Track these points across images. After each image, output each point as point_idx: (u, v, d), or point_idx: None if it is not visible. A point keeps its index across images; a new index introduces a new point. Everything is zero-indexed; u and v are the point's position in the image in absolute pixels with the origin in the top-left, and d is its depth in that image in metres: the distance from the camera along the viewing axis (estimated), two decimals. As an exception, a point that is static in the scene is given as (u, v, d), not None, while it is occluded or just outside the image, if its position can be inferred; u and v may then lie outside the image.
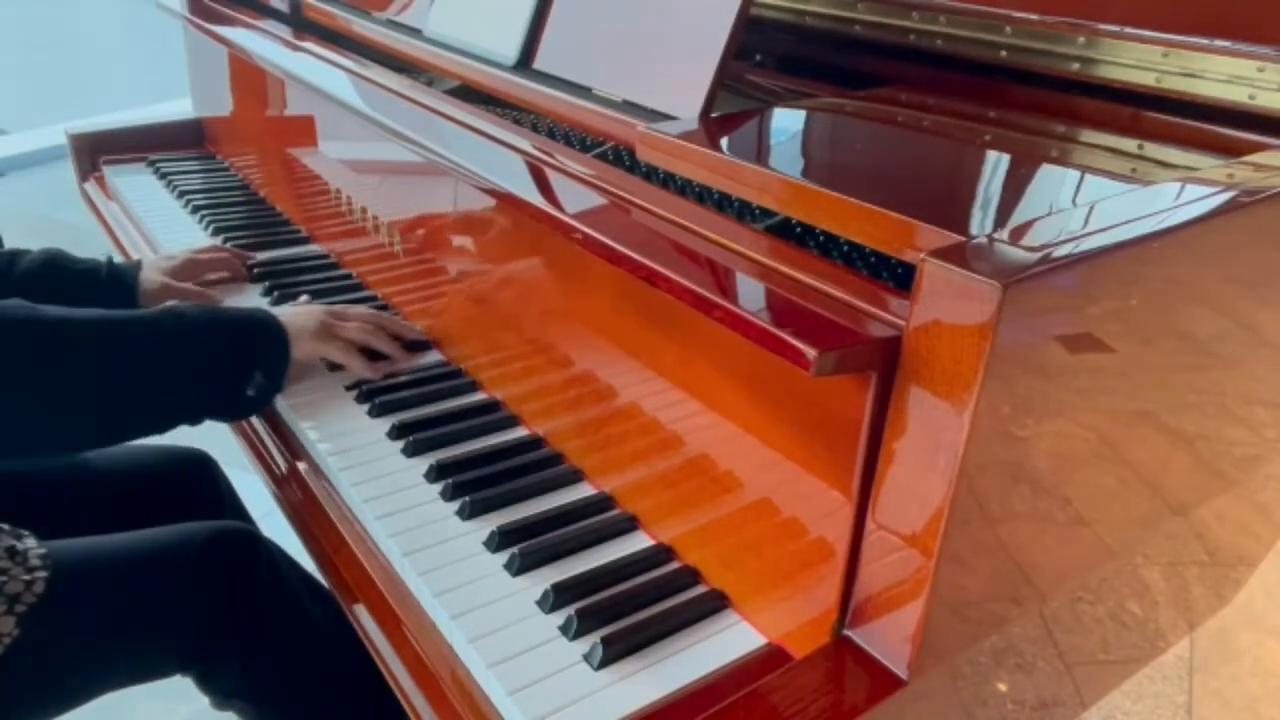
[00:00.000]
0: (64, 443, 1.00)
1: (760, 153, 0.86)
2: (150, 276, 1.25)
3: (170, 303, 0.96)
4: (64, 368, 0.90)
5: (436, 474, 0.94)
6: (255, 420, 1.09)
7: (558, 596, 0.79)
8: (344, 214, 1.35)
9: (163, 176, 1.72)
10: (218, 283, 1.33)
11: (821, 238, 0.81)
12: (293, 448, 1.03)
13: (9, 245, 1.24)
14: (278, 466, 1.03)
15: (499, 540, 0.85)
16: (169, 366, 0.96)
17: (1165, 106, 0.89)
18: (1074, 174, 0.83)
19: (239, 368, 1.01)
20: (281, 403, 1.07)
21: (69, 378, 0.90)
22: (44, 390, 0.89)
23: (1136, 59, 0.89)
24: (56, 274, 1.20)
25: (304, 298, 1.25)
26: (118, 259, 1.30)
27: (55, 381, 0.90)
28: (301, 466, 1.01)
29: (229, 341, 1.00)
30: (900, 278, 0.70)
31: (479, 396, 1.08)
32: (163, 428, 0.99)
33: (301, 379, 1.09)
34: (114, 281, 1.24)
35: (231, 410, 1.04)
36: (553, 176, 0.92)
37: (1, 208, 3.82)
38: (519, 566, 0.82)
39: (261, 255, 1.41)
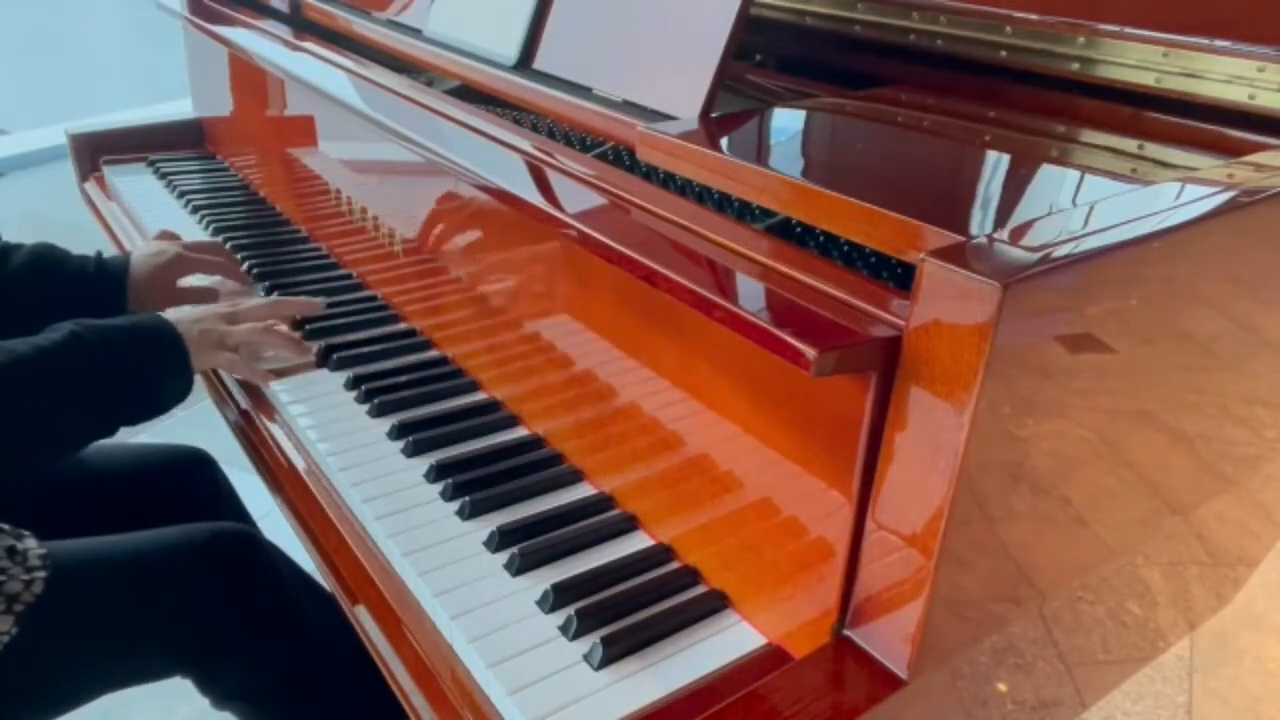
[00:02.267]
0: None
1: (760, 153, 0.86)
2: (139, 274, 1.21)
3: (68, 326, 0.93)
4: None
5: (436, 474, 0.94)
6: (255, 419, 1.09)
7: (558, 596, 0.79)
8: (344, 214, 1.35)
9: (163, 176, 1.72)
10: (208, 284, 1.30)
11: (821, 238, 0.81)
12: (292, 447, 1.03)
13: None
14: (277, 466, 1.03)
15: (499, 540, 0.85)
16: (66, 392, 0.92)
17: (1165, 106, 0.89)
18: (1074, 174, 0.83)
19: (138, 384, 0.97)
20: (281, 401, 1.07)
21: None
22: None
23: (1136, 59, 0.89)
24: (48, 272, 1.18)
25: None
26: (108, 254, 1.29)
27: None
28: (301, 466, 1.01)
29: (118, 369, 0.95)
30: (900, 278, 0.70)
31: (479, 396, 1.08)
32: (73, 449, 1.00)
33: (302, 378, 1.09)
34: (102, 278, 1.21)
35: (139, 419, 0.98)
36: (553, 176, 0.92)
37: (1, 208, 3.83)
38: (519, 566, 0.82)
39: (258, 256, 1.41)
